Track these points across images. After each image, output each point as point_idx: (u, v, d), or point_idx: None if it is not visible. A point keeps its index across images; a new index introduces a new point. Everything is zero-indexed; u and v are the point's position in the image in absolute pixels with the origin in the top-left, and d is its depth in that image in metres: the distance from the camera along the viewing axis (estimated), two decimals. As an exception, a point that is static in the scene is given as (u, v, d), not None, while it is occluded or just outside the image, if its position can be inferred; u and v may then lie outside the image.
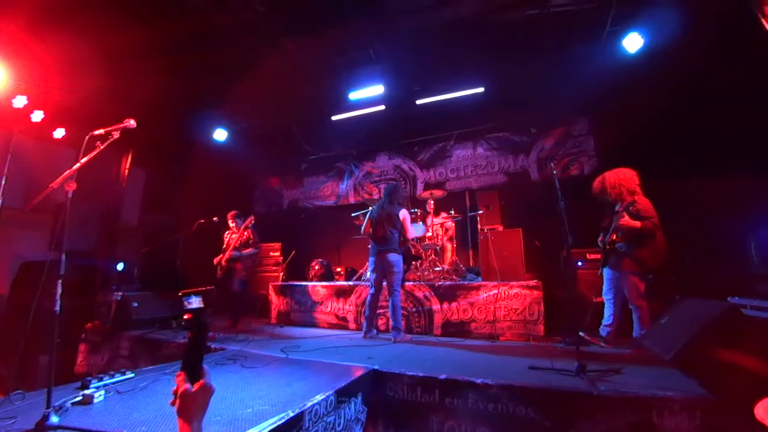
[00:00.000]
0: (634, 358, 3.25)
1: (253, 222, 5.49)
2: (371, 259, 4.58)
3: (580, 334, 3.72)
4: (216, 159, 7.60)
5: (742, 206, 4.26)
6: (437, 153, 7.30)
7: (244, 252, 5.46)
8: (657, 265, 3.54)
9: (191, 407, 0.96)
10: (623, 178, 3.69)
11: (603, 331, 3.78)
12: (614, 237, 3.66)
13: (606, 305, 3.83)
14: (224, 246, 5.53)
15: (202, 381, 0.99)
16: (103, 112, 4.32)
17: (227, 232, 5.67)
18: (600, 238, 3.91)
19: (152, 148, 7.47)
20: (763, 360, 2.10)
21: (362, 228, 4.83)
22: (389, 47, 5.41)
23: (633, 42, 4.77)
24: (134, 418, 1.98)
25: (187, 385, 0.97)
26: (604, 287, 3.83)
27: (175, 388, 0.98)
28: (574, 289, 4.56)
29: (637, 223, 3.45)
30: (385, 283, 4.50)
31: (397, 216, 4.52)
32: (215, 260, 5.46)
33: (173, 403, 0.97)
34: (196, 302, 0.96)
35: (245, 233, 5.47)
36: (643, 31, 4.70)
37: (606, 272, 3.81)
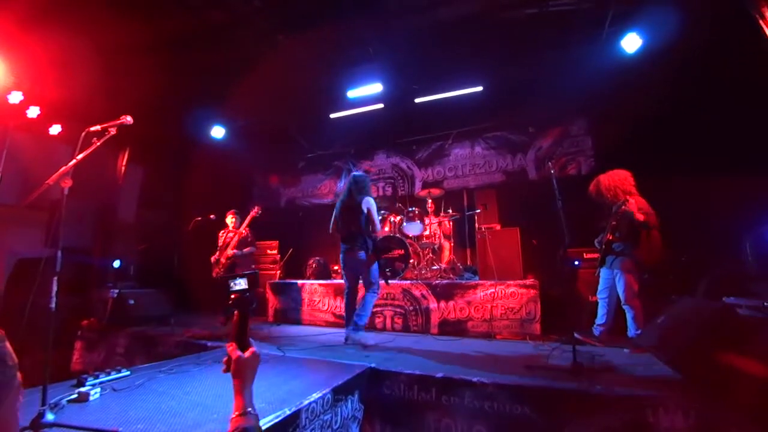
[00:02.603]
0: (630, 357, 3.27)
1: (259, 212, 5.44)
2: (341, 257, 4.13)
3: (575, 335, 3.74)
4: (213, 156, 7.57)
5: (738, 206, 4.28)
6: (435, 152, 7.30)
7: (244, 250, 5.44)
8: (653, 264, 3.55)
9: (245, 370, 1.14)
10: (617, 179, 3.69)
11: (596, 330, 3.80)
12: (610, 237, 3.67)
13: (599, 304, 3.85)
14: (221, 244, 5.50)
15: (252, 348, 1.18)
16: (100, 108, 4.31)
17: (223, 231, 5.65)
18: (598, 238, 3.92)
19: (149, 145, 7.44)
20: (757, 360, 2.12)
21: (330, 227, 4.27)
22: (388, 45, 5.40)
23: (631, 42, 4.78)
24: (130, 416, 1.97)
25: (240, 353, 1.15)
26: (599, 286, 3.85)
27: (225, 357, 1.16)
28: (570, 289, 4.58)
29: (641, 216, 3.41)
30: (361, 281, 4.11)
31: (359, 207, 3.97)
32: (213, 258, 5.43)
33: (226, 370, 1.15)
34: (241, 283, 1.01)
35: (245, 230, 5.44)
36: (641, 32, 4.72)
37: (603, 272, 3.83)
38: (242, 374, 1.14)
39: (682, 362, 2.36)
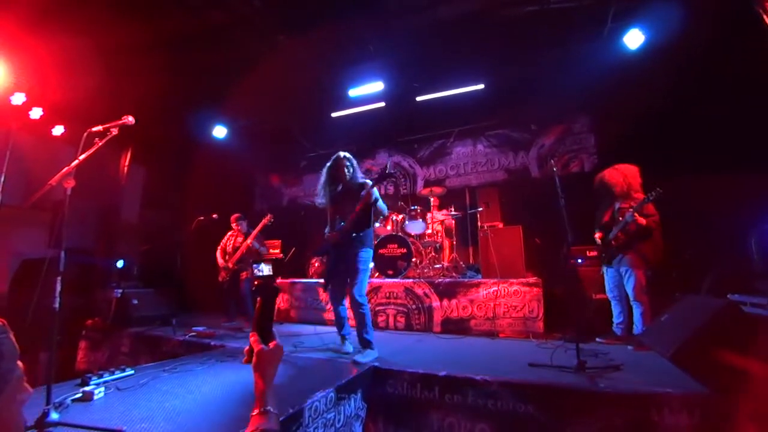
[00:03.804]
0: (634, 355, 3.26)
1: (271, 220, 5.33)
2: None
3: (597, 339, 3.74)
4: (216, 156, 7.57)
5: (743, 203, 4.25)
6: (437, 150, 7.29)
7: (260, 249, 5.42)
8: (657, 261, 3.56)
9: (267, 363, 1.07)
10: (631, 174, 3.75)
11: (617, 329, 3.78)
12: (620, 235, 3.66)
13: (613, 304, 3.84)
14: (230, 250, 5.45)
15: (275, 341, 1.10)
16: (102, 109, 4.32)
17: (231, 235, 5.57)
18: (599, 235, 3.89)
19: (152, 146, 7.46)
20: (762, 358, 2.10)
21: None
22: (389, 44, 5.38)
23: (634, 38, 4.75)
24: (134, 415, 1.98)
25: (262, 345, 1.07)
26: (608, 285, 3.84)
27: (247, 347, 1.08)
28: (573, 287, 4.57)
29: (644, 220, 3.50)
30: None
31: None
32: (220, 263, 5.39)
33: (247, 361, 1.08)
34: (265, 269, 0.97)
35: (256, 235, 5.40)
36: (644, 28, 4.68)
37: (609, 270, 3.82)
38: (264, 368, 1.06)
39: (686, 360, 2.35)
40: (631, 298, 3.58)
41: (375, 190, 3.29)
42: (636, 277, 3.53)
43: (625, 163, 3.86)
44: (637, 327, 3.53)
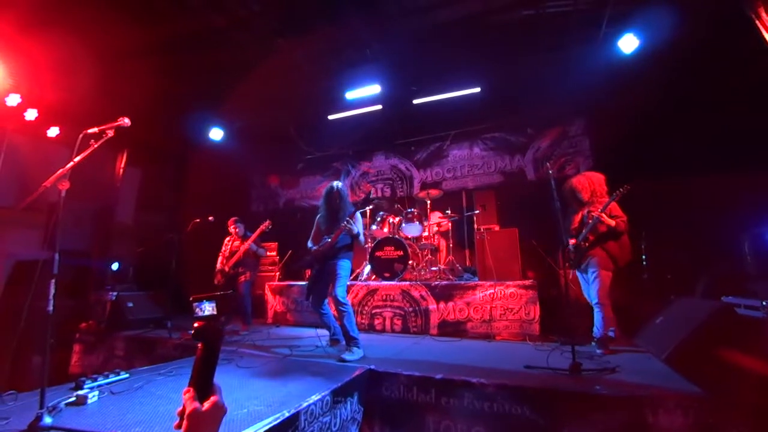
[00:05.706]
0: (629, 357, 3.27)
1: (269, 227, 5.35)
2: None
3: (593, 344, 3.68)
4: (212, 158, 7.56)
5: (737, 206, 4.29)
6: (434, 153, 7.30)
7: (258, 251, 5.46)
8: (624, 262, 3.56)
9: (201, 429, 0.78)
10: (597, 181, 3.77)
11: (611, 332, 3.76)
12: (590, 236, 3.65)
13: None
14: (227, 254, 5.43)
15: (214, 399, 0.81)
16: (98, 110, 4.29)
17: (228, 239, 5.55)
18: (573, 241, 3.84)
19: (147, 148, 7.44)
20: (756, 359, 2.12)
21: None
22: (386, 47, 5.41)
23: (628, 43, 4.80)
24: (128, 419, 1.96)
25: (197, 404, 0.79)
26: (584, 290, 3.80)
27: (180, 408, 0.80)
28: (569, 289, 4.58)
29: (612, 222, 3.50)
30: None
31: None
32: (218, 266, 5.39)
33: (179, 426, 0.79)
34: (208, 309, 0.86)
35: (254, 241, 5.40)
36: (638, 32, 4.73)
37: (582, 276, 3.79)
38: None
39: (681, 362, 2.36)
40: (594, 301, 3.53)
41: (358, 216, 3.89)
42: (601, 278, 3.48)
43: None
44: (598, 330, 3.49)
